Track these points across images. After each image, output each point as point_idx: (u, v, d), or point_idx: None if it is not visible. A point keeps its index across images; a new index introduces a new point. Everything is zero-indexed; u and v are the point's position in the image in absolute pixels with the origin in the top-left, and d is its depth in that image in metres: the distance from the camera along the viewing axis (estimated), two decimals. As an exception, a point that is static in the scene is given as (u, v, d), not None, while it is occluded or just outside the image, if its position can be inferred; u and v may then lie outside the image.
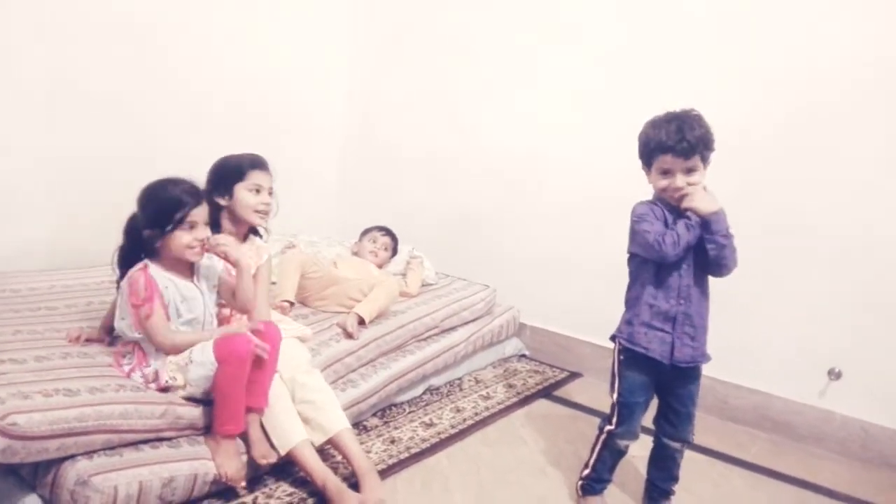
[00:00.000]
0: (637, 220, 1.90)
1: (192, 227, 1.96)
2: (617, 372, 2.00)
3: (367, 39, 3.98)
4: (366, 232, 3.31)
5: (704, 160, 1.84)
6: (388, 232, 3.29)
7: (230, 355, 1.88)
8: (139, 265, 1.98)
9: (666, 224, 1.86)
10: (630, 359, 1.96)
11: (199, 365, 1.90)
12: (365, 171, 4.08)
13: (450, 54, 3.62)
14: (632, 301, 1.98)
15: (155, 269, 1.98)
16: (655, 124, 1.87)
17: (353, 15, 3.98)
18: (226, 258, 2.09)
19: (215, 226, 2.16)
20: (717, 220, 1.81)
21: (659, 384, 1.98)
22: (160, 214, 1.95)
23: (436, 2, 3.66)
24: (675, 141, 1.79)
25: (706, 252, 1.84)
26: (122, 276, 2.00)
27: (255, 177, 2.25)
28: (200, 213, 1.98)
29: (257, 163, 2.28)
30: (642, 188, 1.98)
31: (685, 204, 1.82)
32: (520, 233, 3.44)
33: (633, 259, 1.97)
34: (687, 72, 2.84)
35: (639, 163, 1.95)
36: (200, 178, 2.26)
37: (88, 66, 2.91)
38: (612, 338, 2.02)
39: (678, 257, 1.84)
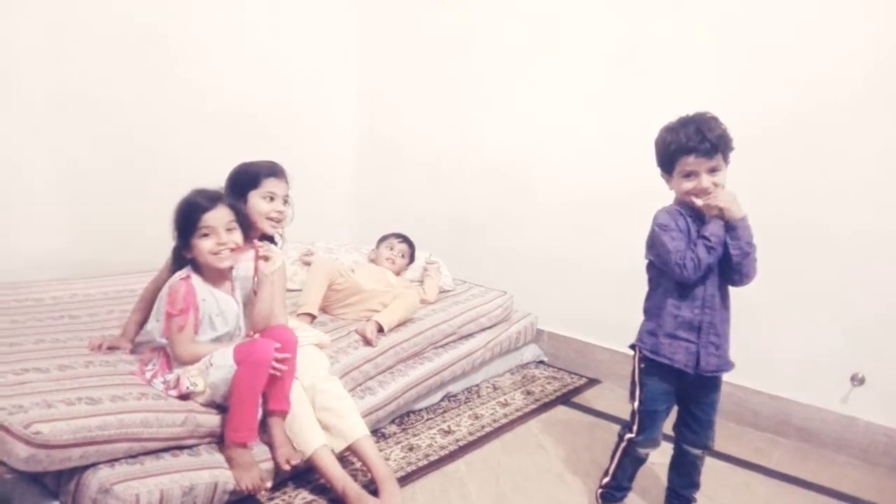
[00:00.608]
0: (658, 229, 1.88)
1: (211, 232, 1.96)
2: (638, 380, 1.98)
3: (375, 44, 4.00)
4: (383, 239, 3.32)
5: (726, 159, 1.83)
6: (404, 239, 3.30)
7: (249, 357, 1.89)
8: (182, 273, 2.00)
9: (689, 233, 1.85)
10: (651, 367, 1.94)
11: (219, 368, 1.91)
12: (378, 177, 4.09)
13: (458, 59, 3.62)
14: (653, 310, 1.96)
15: (196, 280, 2.00)
16: (672, 128, 1.85)
17: (360, 21, 4.00)
18: (257, 265, 2.05)
19: None
20: (743, 225, 1.80)
21: (680, 391, 1.97)
22: (179, 224, 1.99)
23: (443, 9, 3.66)
24: (697, 141, 1.78)
25: (728, 260, 1.82)
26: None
27: (269, 184, 2.25)
28: (216, 216, 1.97)
29: (273, 170, 2.29)
30: (658, 189, 1.97)
31: (717, 202, 1.79)
32: (536, 238, 3.43)
33: (652, 266, 1.96)
34: (689, 71, 2.83)
35: (652, 162, 1.93)
36: (218, 184, 2.29)
37: (99, 78, 2.94)
38: (632, 346, 2.01)
39: (698, 278, 1.83)
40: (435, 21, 3.69)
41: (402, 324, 2.79)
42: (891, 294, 2.49)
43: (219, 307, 2.04)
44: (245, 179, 2.26)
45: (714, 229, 1.81)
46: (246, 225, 2.08)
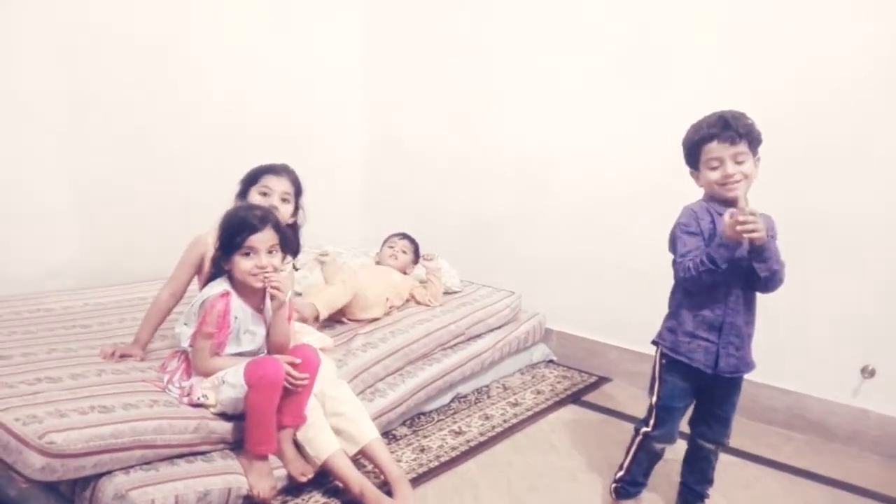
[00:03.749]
0: (677, 229, 1.87)
1: (252, 252, 1.96)
2: (658, 376, 1.97)
3: (383, 47, 4.00)
4: (385, 240, 3.34)
5: (753, 151, 1.81)
6: (404, 235, 3.31)
7: (260, 381, 1.89)
8: (221, 288, 2.00)
9: (713, 234, 1.80)
10: (672, 364, 1.93)
11: (231, 387, 1.92)
12: (386, 180, 4.10)
13: (466, 59, 3.62)
14: (674, 307, 1.95)
15: (234, 298, 2.00)
16: (697, 122, 1.86)
17: (368, 24, 4.01)
18: (272, 296, 2.03)
19: None
20: (772, 247, 1.77)
21: (699, 388, 1.96)
22: (225, 237, 1.99)
23: (450, 8, 3.67)
24: (720, 128, 1.78)
25: (755, 272, 1.79)
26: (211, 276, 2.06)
27: (266, 180, 2.32)
28: (261, 239, 1.96)
29: (272, 168, 2.35)
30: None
31: (757, 234, 1.67)
32: (543, 237, 3.43)
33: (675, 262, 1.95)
34: (700, 68, 2.83)
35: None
36: (229, 192, 2.31)
37: (111, 87, 2.96)
38: (654, 342, 2.00)
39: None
40: (446, 21, 3.69)
41: (344, 313, 2.82)
42: (900, 285, 2.49)
43: (248, 327, 2.04)
44: (247, 178, 2.34)
45: (721, 252, 1.72)
46: (288, 245, 2.09)
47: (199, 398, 1.96)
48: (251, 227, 1.96)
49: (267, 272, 1.97)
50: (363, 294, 2.84)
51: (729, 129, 1.77)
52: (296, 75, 3.73)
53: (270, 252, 1.99)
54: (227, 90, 3.41)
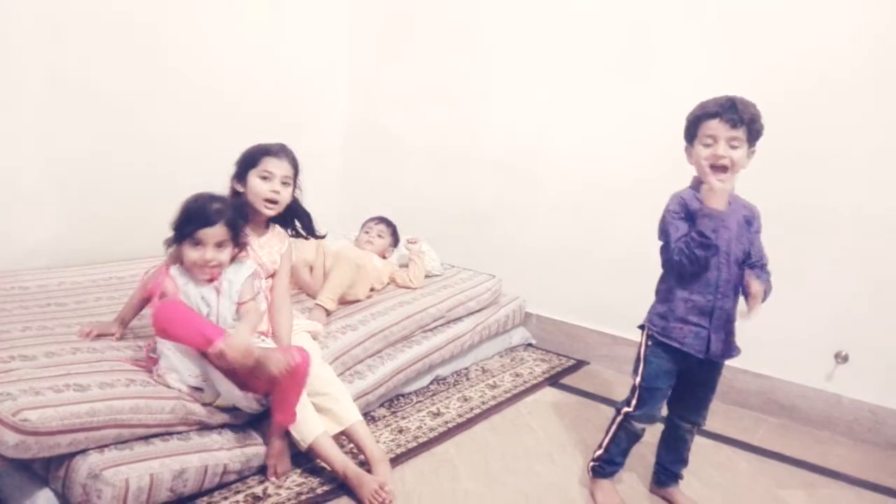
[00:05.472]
0: (666, 216, 1.88)
1: (200, 244, 1.96)
2: (643, 356, 1.99)
3: (369, 32, 3.97)
4: (363, 224, 3.32)
5: (751, 142, 1.82)
6: (381, 219, 3.29)
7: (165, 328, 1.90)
8: (162, 265, 2.01)
9: (694, 217, 1.83)
10: (658, 346, 1.95)
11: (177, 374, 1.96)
12: (369, 164, 4.07)
13: (453, 45, 3.61)
14: (664, 293, 1.96)
15: (176, 270, 2.00)
16: (707, 100, 1.86)
17: (355, 7, 3.97)
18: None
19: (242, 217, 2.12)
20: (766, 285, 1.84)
21: (682, 370, 1.97)
22: (178, 222, 1.99)
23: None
24: (725, 109, 1.78)
25: (746, 248, 1.83)
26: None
27: (266, 163, 2.21)
28: (211, 234, 1.95)
29: (270, 150, 2.25)
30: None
31: (758, 303, 1.78)
32: (525, 223, 3.44)
33: (665, 250, 1.95)
34: (689, 63, 2.84)
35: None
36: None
37: (92, 67, 2.90)
38: (641, 326, 2.02)
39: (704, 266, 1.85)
40: (435, 8, 3.66)
41: (346, 292, 2.80)
42: (874, 271, 2.52)
43: (201, 295, 2.00)
44: (245, 159, 2.25)
45: (706, 222, 1.77)
46: (241, 240, 2.06)
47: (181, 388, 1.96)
48: (203, 220, 1.95)
49: (211, 265, 1.97)
50: (363, 263, 2.87)
51: (734, 111, 1.78)
52: (281, 56, 3.68)
53: (219, 246, 1.99)
54: (210, 71, 3.35)
